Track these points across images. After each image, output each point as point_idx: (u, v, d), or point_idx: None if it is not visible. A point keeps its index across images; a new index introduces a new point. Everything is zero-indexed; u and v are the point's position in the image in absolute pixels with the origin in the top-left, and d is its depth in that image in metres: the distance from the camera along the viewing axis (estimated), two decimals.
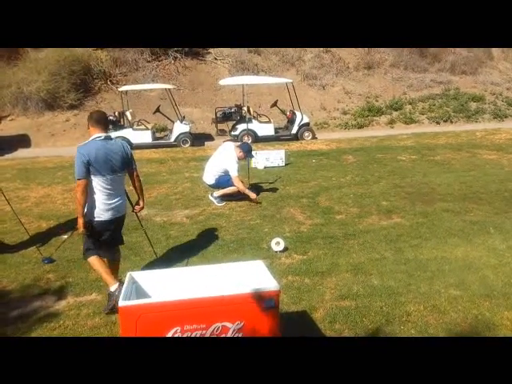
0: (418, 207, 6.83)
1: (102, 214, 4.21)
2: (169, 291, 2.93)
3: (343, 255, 5.26)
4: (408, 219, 6.37)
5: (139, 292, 3.00)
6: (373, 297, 4.28)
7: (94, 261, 4.27)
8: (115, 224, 4.37)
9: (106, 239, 4.34)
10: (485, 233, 5.82)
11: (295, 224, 6.32)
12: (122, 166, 4.25)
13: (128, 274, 3.06)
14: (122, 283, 3.78)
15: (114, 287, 4.13)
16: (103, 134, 4.17)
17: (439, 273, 4.77)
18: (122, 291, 2.74)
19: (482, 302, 4.15)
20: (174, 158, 11.27)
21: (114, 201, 4.26)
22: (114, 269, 4.48)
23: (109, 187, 4.18)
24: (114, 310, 4.00)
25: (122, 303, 2.57)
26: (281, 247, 5.34)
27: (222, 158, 7.07)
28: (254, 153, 7.85)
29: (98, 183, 4.12)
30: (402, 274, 4.74)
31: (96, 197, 4.16)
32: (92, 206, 4.18)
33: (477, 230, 5.92)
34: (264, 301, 2.66)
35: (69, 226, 6.42)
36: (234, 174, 6.94)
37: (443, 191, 7.60)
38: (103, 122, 4.25)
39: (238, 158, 7.09)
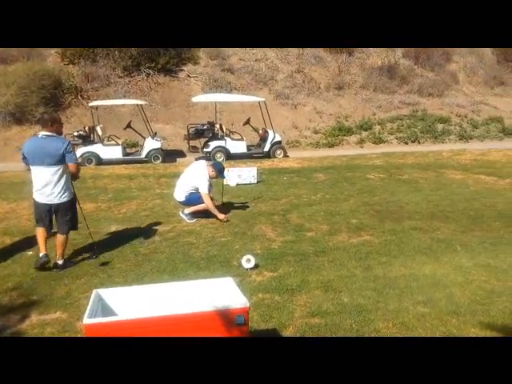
0: (387, 225, 6.92)
1: (36, 196, 5.23)
2: (136, 309, 2.87)
3: (313, 272, 5.26)
4: (377, 237, 6.44)
5: (106, 310, 2.93)
6: (342, 314, 4.28)
7: (36, 231, 5.40)
8: (51, 209, 5.28)
9: (48, 219, 5.33)
10: (452, 251, 5.93)
11: (266, 241, 6.31)
12: (50, 159, 5.02)
13: (94, 291, 2.98)
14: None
15: (41, 254, 5.29)
16: (41, 133, 5.10)
17: (407, 290, 4.82)
18: (88, 308, 2.66)
19: (449, 319, 4.20)
20: (144, 174, 11.16)
21: (44, 189, 5.14)
22: (58, 244, 5.41)
23: (38, 176, 5.12)
24: (39, 267, 5.24)
25: (87, 321, 2.50)
26: (251, 264, 5.30)
27: (194, 176, 7.03)
28: (226, 170, 7.83)
29: (32, 171, 5.17)
30: (371, 292, 4.77)
31: (33, 181, 5.21)
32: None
33: (444, 247, 6.03)
34: (233, 318, 2.63)
35: (34, 242, 6.24)
36: (203, 191, 6.90)
37: (411, 209, 7.74)
38: (44, 122, 5.16)
39: (210, 177, 7.06)
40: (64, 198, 5.24)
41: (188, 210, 7.08)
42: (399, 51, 24.40)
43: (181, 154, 15.67)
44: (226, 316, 2.60)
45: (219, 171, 7.21)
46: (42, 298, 4.72)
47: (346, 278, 5.11)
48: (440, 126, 19.40)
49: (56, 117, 5.34)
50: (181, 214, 7.17)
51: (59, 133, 5.26)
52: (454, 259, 5.65)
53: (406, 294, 4.74)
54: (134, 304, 2.97)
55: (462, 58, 25.32)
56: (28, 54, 18.61)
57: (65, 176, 5.19)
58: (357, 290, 4.80)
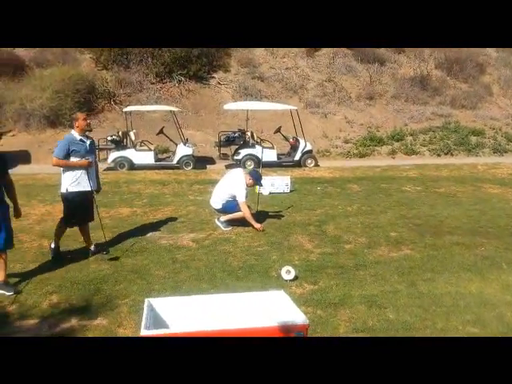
0: (428, 240, 6.72)
1: None
2: (189, 320, 2.79)
3: (355, 287, 5.13)
4: (418, 251, 6.26)
5: (157, 320, 2.86)
6: (389, 331, 4.15)
7: None
8: None
9: None
10: (497, 268, 5.72)
11: (304, 252, 6.19)
12: None
13: (146, 301, 2.93)
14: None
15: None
16: None
17: (455, 308, 4.66)
18: (143, 318, 2.60)
19: None
20: (176, 180, 11.17)
21: None
22: None
23: None
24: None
25: (144, 332, 2.43)
26: (291, 276, 5.20)
27: (231, 183, 6.97)
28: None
29: None
30: (418, 309, 4.62)
31: None
32: None
33: (489, 265, 5.82)
34: (293, 334, 2.52)
35: (71, 246, 6.27)
36: (241, 199, 6.83)
37: (451, 224, 7.51)
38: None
39: (247, 185, 6.99)
40: (60, 190, 5.79)
41: (224, 218, 7.01)
42: (432, 62, 24.06)
43: (211, 160, 15.67)
44: (285, 332, 2.50)
45: (256, 179, 7.14)
46: (81, 302, 4.71)
47: (389, 293, 4.97)
48: (474, 139, 18.96)
49: (76, 116, 5.80)
50: (216, 222, 7.10)
51: (83, 129, 5.73)
52: (501, 277, 5.45)
53: (453, 312, 4.58)
54: (185, 315, 2.90)
55: (496, 71, 24.79)
56: (63, 58, 18.96)
57: (62, 170, 5.68)
58: (402, 307, 4.66)
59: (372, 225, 7.39)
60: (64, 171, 5.66)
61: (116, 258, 5.80)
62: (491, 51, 25.56)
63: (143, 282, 5.20)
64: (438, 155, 17.81)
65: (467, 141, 18.69)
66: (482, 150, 18.52)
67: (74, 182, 5.65)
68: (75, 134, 5.66)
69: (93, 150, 5.92)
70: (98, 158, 6.17)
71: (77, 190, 5.69)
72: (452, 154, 18.02)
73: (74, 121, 5.70)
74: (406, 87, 22.12)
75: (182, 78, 19.72)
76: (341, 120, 19.87)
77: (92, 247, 6.03)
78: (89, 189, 5.74)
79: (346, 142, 18.34)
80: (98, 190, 6.13)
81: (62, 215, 5.92)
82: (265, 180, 9.45)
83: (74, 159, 5.60)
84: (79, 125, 5.65)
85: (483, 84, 23.75)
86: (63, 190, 5.71)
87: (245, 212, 6.83)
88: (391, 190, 10.02)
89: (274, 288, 5.03)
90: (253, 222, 6.88)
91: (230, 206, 6.92)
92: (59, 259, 5.79)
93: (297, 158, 14.30)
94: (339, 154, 17.46)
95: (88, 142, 5.76)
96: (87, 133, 5.94)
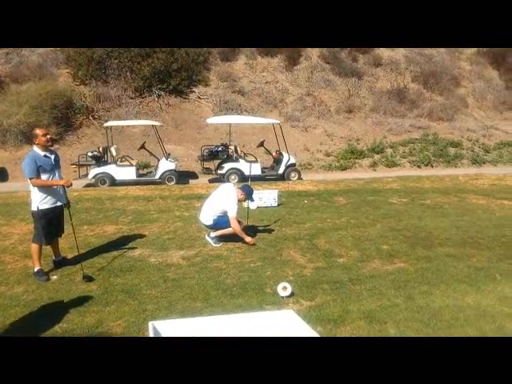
0: (420, 252, 6.70)
1: None
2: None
3: (353, 302, 5.04)
4: (411, 264, 6.22)
5: None
6: None
7: None
8: None
9: None
10: (492, 279, 5.70)
11: (297, 267, 6.09)
12: None
13: (150, 324, 2.78)
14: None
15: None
16: None
17: (455, 322, 4.60)
18: None
19: None
20: (161, 195, 10.98)
21: None
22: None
23: None
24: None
25: None
26: (288, 293, 5.09)
27: (222, 199, 6.83)
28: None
29: None
30: (418, 323, 4.55)
31: None
32: None
33: (483, 276, 5.80)
34: None
35: (57, 266, 6.05)
36: (232, 214, 6.71)
37: (441, 236, 7.52)
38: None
39: (239, 200, 6.88)
40: (31, 208, 5.70)
41: (214, 234, 6.87)
42: (408, 75, 24.48)
43: (193, 175, 15.53)
44: None
45: (248, 194, 7.03)
46: (72, 325, 4.50)
47: (388, 308, 4.89)
48: (452, 150, 19.27)
49: (34, 132, 5.59)
50: (207, 238, 6.95)
51: (44, 145, 5.56)
52: (497, 289, 5.43)
53: (454, 326, 4.51)
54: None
55: (471, 83, 25.38)
56: (40, 73, 18.67)
57: (31, 187, 5.59)
58: (402, 322, 4.58)
59: (362, 238, 7.35)
60: (35, 189, 5.58)
61: (91, 279, 5.58)
62: (465, 64, 26.19)
63: (135, 302, 5.01)
64: (419, 167, 18.03)
65: (446, 152, 18.98)
66: (460, 161, 18.82)
67: (44, 199, 5.60)
68: (38, 150, 5.55)
69: (58, 163, 5.82)
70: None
71: (48, 206, 5.66)
72: (432, 166, 18.25)
73: (34, 138, 5.55)
74: (384, 100, 22.47)
75: (162, 93, 19.62)
76: (321, 133, 19.99)
77: (59, 258, 6.12)
78: (59, 204, 5.77)
79: (327, 154, 18.43)
80: (68, 205, 5.95)
81: (33, 236, 5.83)
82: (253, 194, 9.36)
83: (41, 176, 5.52)
84: (39, 141, 5.52)
85: (459, 96, 24.28)
86: (34, 208, 5.65)
87: (235, 227, 6.71)
88: (378, 203, 10.02)
89: (270, 305, 4.95)
90: (244, 236, 6.76)
91: (222, 221, 6.78)
92: (46, 281, 5.58)
93: (280, 171, 14.28)
94: (321, 167, 17.51)
95: (52, 157, 5.69)
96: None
